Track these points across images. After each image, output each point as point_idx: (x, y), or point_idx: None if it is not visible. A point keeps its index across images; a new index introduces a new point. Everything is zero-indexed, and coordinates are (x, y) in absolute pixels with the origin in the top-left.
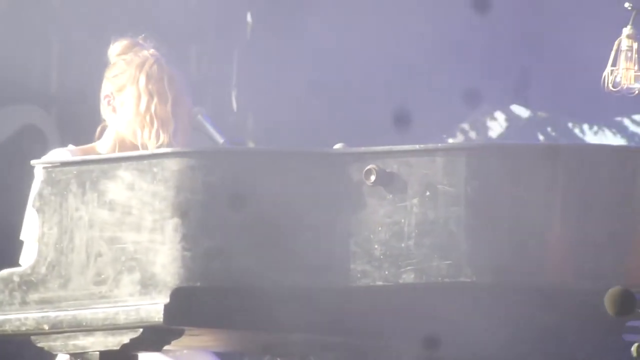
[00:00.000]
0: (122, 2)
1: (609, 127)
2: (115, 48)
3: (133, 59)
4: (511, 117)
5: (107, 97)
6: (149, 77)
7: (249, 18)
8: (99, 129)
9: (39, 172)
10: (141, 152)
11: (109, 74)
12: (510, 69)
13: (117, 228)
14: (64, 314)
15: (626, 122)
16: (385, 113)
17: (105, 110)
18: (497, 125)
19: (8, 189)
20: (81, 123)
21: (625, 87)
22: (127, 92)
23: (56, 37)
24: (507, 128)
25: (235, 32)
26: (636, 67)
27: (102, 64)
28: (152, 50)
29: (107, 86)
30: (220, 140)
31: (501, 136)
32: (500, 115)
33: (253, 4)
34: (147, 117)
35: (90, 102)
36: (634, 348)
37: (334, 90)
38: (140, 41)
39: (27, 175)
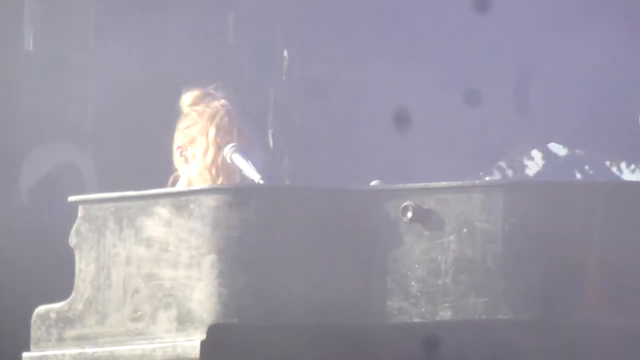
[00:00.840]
0: (157, 42)
1: None
2: (187, 98)
3: (205, 110)
4: (548, 155)
5: (180, 148)
6: (219, 129)
7: (285, 54)
8: (170, 180)
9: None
10: (178, 188)
11: (181, 126)
12: (545, 107)
13: (154, 264)
14: (102, 351)
15: None
16: (423, 151)
17: (177, 161)
18: (534, 164)
19: (45, 227)
20: (118, 160)
21: None
22: (197, 144)
23: (92, 75)
24: (544, 166)
25: (272, 68)
26: None
27: (138, 102)
28: (222, 101)
29: (180, 138)
30: (257, 177)
31: (538, 174)
32: (537, 154)
33: (290, 41)
34: (213, 170)
35: (125, 139)
36: None
37: (371, 127)
38: (211, 91)
39: (64, 213)
